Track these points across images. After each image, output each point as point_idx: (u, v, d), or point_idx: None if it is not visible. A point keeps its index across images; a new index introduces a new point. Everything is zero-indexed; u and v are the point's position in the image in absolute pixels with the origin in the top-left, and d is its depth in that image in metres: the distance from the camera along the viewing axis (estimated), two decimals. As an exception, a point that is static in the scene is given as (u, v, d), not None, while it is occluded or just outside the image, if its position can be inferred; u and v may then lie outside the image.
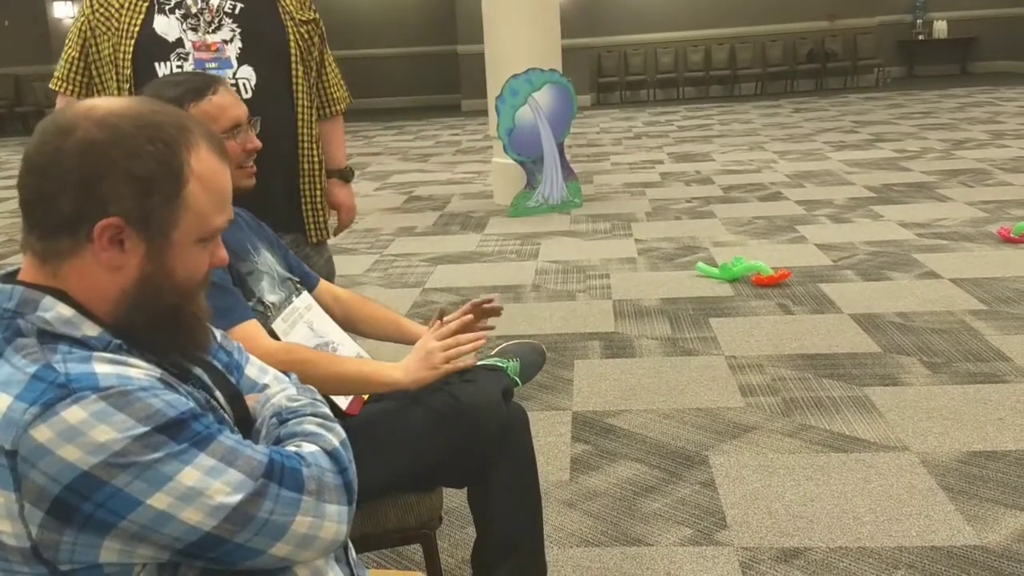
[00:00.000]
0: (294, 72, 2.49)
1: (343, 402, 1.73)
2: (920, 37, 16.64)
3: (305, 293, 1.87)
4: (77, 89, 2.49)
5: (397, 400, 1.76)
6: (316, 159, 2.56)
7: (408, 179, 8.84)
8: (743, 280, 4.58)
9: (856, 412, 3.00)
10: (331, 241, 2.75)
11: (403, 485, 1.75)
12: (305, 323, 1.79)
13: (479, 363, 1.89)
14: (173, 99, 1.64)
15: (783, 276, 4.52)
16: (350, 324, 2.00)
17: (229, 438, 0.95)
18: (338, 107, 2.71)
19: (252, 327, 1.62)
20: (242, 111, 1.81)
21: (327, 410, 1.13)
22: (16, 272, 1.03)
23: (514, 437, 1.80)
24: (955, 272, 4.54)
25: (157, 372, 0.97)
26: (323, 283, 2.01)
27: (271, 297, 1.75)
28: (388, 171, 9.27)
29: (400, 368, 1.68)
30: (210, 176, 1.01)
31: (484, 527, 1.84)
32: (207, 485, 0.91)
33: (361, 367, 1.69)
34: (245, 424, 1.10)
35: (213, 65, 2.36)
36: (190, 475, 0.91)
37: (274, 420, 1.09)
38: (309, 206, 2.59)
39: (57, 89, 2.50)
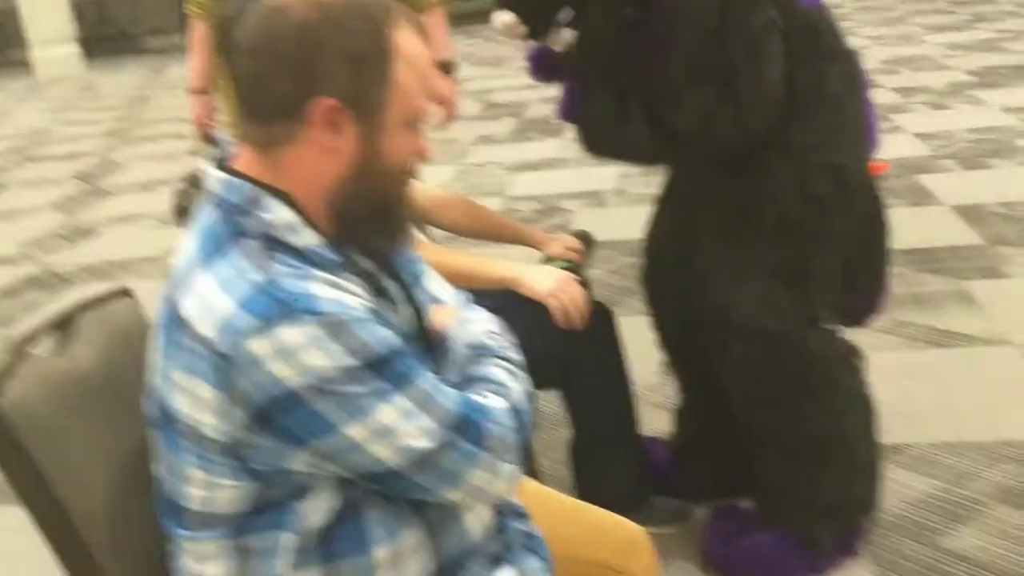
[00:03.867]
0: None
1: None
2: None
3: None
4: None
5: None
6: None
7: (483, 85, 8.72)
8: (834, 174, 4.42)
9: (956, 306, 2.91)
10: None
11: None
12: None
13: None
14: None
15: (879, 168, 4.34)
16: (461, 220, 2.00)
17: (427, 381, 0.97)
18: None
19: None
20: None
21: (518, 357, 1.13)
22: (231, 160, 1.02)
23: (599, 335, 1.80)
24: (1063, 157, 4.31)
25: (370, 302, 0.98)
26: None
27: None
28: (462, 77, 9.16)
29: (516, 267, 1.67)
30: (414, 55, 0.99)
31: (578, 423, 1.87)
32: (400, 426, 0.93)
33: (470, 259, 1.69)
34: (422, 340, 1.10)
35: None
36: (387, 413, 0.93)
37: (467, 351, 1.09)
38: None
39: (197, 11, 2.61)
